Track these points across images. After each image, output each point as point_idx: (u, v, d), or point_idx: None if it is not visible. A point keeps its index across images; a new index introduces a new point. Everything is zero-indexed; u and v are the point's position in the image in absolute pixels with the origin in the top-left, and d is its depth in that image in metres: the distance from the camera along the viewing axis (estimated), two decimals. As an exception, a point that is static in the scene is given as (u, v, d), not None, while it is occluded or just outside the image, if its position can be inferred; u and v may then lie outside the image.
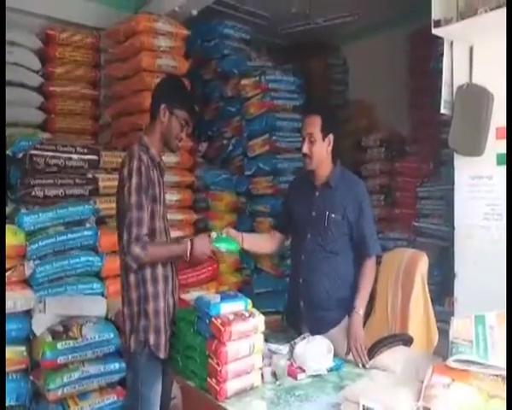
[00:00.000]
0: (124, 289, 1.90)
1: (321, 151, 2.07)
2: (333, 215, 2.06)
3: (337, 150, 2.13)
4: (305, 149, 2.07)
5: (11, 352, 2.34)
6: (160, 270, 1.87)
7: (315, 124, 2.06)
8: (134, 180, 1.78)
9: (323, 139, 2.06)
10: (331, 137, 2.08)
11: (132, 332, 1.87)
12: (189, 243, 1.82)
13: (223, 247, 1.96)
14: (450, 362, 1.34)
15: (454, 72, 2.45)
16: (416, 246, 3.06)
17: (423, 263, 2.20)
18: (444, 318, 2.52)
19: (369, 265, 2.08)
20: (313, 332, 1.95)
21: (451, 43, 2.48)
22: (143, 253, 1.74)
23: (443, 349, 1.99)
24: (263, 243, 2.35)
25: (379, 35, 4.64)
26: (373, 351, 1.85)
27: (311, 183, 2.16)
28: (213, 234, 1.96)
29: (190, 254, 1.82)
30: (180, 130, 1.94)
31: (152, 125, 1.96)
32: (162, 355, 1.84)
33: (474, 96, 2.32)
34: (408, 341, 2.00)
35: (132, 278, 1.86)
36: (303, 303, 2.11)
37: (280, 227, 2.34)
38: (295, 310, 2.15)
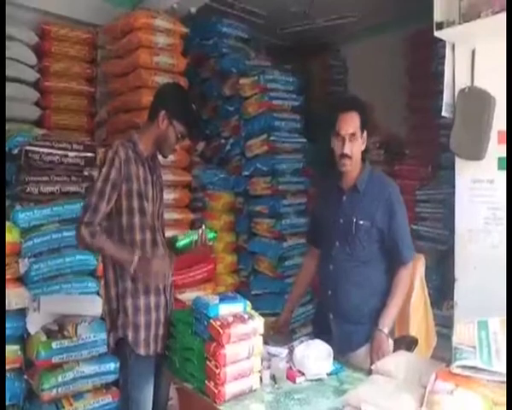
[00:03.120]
0: (105, 285, 1.91)
1: (359, 149, 1.95)
2: (361, 222, 1.92)
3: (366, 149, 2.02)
4: (347, 149, 1.90)
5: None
6: None
7: (355, 121, 1.92)
8: (104, 169, 1.82)
9: (361, 136, 1.94)
10: (365, 135, 1.96)
11: (112, 329, 1.87)
12: (135, 259, 1.79)
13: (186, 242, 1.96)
14: (454, 368, 1.31)
15: (456, 75, 2.45)
16: (415, 249, 3.05)
17: (421, 265, 2.19)
18: (442, 322, 2.53)
19: (403, 275, 1.94)
20: (343, 350, 1.88)
21: (453, 46, 2.47)
22: (90, 240, 1.77)
23: (441, 353, 1.99)
24: (303, 281, 2.25)
25: (379, 36, 4.63)
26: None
27: (339, 187, 2.02)
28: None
29: (135, 269, 1.80)
30: (175, 141, 1.93)
31: (148, 125, 1.95)
32: (142, 352, 1.83)
33: (476, 100, 2.32)
34: (412, 342, 1.96)
35: (111, 274, 1.86)
36: (332, 316, 2.00)
37: (313, 241, 2.22)
38: (324, 323, 2.03)
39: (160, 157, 2.03)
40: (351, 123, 1.92)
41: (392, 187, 2.01)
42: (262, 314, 1.74)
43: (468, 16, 2.30)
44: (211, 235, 2.03)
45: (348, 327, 1.96)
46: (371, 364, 1.78)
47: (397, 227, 1.94)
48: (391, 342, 1.94)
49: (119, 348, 1.88)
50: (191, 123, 1.97)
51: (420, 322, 2.16)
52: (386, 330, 1.88)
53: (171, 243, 1.99)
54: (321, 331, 2.04)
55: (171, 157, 3.32)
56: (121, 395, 1.95)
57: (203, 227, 2.04)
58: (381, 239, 1.95)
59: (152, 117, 1.93)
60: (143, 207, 1.86)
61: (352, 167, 1.97)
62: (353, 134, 1.92)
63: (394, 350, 1.87)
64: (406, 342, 1.92)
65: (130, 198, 1.84)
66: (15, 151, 2.75)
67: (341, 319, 1.98)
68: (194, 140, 3.97)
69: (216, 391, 1.58)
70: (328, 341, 1.88)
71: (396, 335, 2.02)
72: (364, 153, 2.01)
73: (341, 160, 1.94)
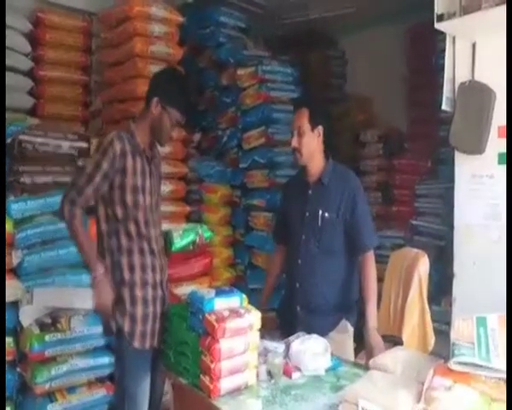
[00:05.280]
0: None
1: (310, 143, 2.03)
2: (326, 214, 2.01)
3: (329, 145, 2.10)
4: (294, 142, 2.04)
5: (-3, 343, 2.28)
6: (137, 258, 1.84)
7: (302, 116, 2.03)
8: (97, 157, 1.79)
9: (312, 130, 2.03)
10: (320, 128, 2.04)
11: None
12: (96, 275, 1.79)
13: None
14: (452, 364, 1.31)
15: (456, 68, 2.43)
16: (413, 244, 3.04)
17: (422, 264, 2.18)
18: (440, 318, 2.52)
19: (369, 264, 2.02)
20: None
21: (454, 39, 2.45)
22: (68, 219, 1.79)
23: (439, 350, 1.98)
24: (274, 273, 2.31)
25: (379, 28, 4.57)
26: (360, 346, 1.87)
27: (304, 181, 2.11)
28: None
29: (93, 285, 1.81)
30: (170, 127, 1.90)
31: (143, 113, 1.92)
32: (137, 344, 1.81)
33: (476, 94, 2.30)
34: (398, 343, 1.99)
35: (109, 263, 1.84)
36: (300, 308, 2.07)
37: (280, 239, 2.29)
38: (291, 314, 2.10)
39: (158, 147, 2.00)
40: (298, 118, 2.05)
41: (354, 179, 2.12)
42: (259, 309, 1.72)
43: (469, 8, 2.27)
44: (207, 234, 2.01)
45: (316, 318, 2.02)
46: (368, 358, 1.82)
47: (358, 216, 2.02)
48: None
49: (116, 341, 1.85)
50: (185, 108, 1.93)
51: (416, 322, 2.17)
52: (375, 324, 1.94)
53: (165, 241, 1.96)
54: (286, 322, 2.12)
55: (167, 148, 3.37)
56: (117, 388, 1.93)
57: (199, 231, 2.01)
58: (345, 230, 2.03)
59: (147, 105, 1.90)
60: (138, 200, 1.83)
61: (309, 161, 2.06)
62: (300, 128, 2.02)
63: None
64: (391, 342, 1.93)
65: (124, 192, 1.82)
66: (8, 141, 2.71)
67: (308, 310, 2.06)
68: (190, 131, 3.93)
69: (211, 386, 1.56)
70: (294, 331, 1.95)
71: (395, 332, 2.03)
72: (327, 147, 2.09)
73: (293, 153, 2.09)
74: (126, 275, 1.82)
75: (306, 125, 2.01)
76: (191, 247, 1.98)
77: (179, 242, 1.95)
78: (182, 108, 1.90)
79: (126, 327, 1.81)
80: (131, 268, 1.83)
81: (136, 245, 1.84)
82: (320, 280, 2.02)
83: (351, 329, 2.07)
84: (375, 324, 1.92)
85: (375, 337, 1.89)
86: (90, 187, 1.78)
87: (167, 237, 1.96)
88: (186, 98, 1.99)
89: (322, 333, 1.95)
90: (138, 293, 1.83)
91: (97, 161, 1.78)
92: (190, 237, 1.97)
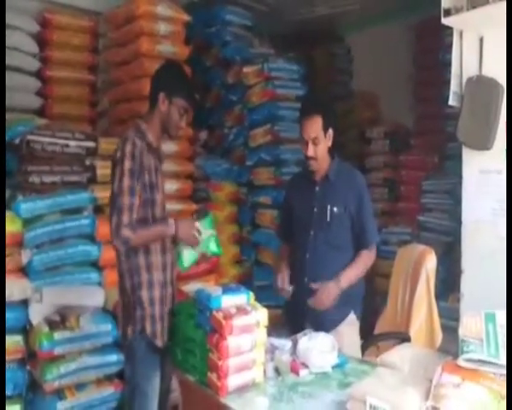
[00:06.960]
0: (119, 277, 1.89)
1: (324, 149, 2.06)
2: (335, 209, 2.04)
3: (334, 143, 2.11)
4: (311, 152, 2.03)
5: (8, 341, 2.28)
6: (154, 257, 1.85)
7: (316, 125, 2.02)
8: (126, 164, 1.76)
9: (325, 136, 2.04)
10: (331, 131, 2.06)
11: (130, 322, 1.84)
12: (172, 225, 1.82)
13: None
14: (461, 361, 1.29)
15: (463, 63, 2.40)
16: (420, 241, 3.03)
17: (429, 260, 2.17)
18: (447, 314, 2.50)
19: (364, 254, 2.07)
20: (318, 330, 1.90)
21: (461, 34, 2.42)
22: (133, 235, 1.73)
23: (447, 346, 1.97)
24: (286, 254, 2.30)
25: (384, 24, 4.55)
26: (367, 342, 1.85)
27: (310, 179, 2.13)
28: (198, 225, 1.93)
29: (176, 234, 1.84)
30: (180, 118, 1.92)
31: (151, 112, 1.94)
32: (159, 343, 1.83)
33: (484, 89, 2.28)
34: (406, 340, 1.98)
35: (126, 265, 1.84)
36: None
37: (285, 237, 2.29)
38: (298, 309, 2.10)
39: (163, 146, 2.02)
40: (312, 128, 2.02)
41: (360, 176, 2.16)
42: (265, 306, 1.72)
43: (476, 2, 2.25)
44: (213, 251, 2.01)
45: (324, 312, 2.01)
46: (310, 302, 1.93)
47: (364, 213, 2.06)
48: None
49: (127, 340, 1.86)
50: (190, 95, 1.96)
51: (423, 318, 2.16)
52: (342, 284, 1.97)
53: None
54: (294, 318, 2.12)
55: (173, 147, 3.38)
56: (127, 386, 1.94)
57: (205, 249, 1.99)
58: (351, 226, 2.07)
59: (153, 102, 1.92)
60: (155, 198, 1.85)
61: (320, 164, 2.08)
62: (316, 138, 2.02)
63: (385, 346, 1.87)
64: (398, 339, 1.92)
65: (145, 190, 1.82)
66: (17, 141, 2.73)
67: None
68: (197, 129, 3.93)
69: (218, 384, 1.56)
70: (301, 326, 1.95)
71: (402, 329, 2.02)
72: (332, 147, 2.10)
73: (307, 161, 2.07)
74: (144, 276, 1.83)
75: (321, 134, 2.02)
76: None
77: (188, 260, 1.95)
78: (186, 96, 1.92)
79: (148, 328, 1.81)
80: (149, 268, 1.83)
81: (152, 244, 1.85)
82: (328, 275, 2.03)
83: (357, 322, 2.10)
84: (340, 282, 1.96)
85: (327, 292, 1.94)
86: (136, 197, 1.76)
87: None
88: (189, 85, 2.01)
89: (332, 327, 1.97)
90: (156, 293, 1.84)
91: (129, 168, 1.76)
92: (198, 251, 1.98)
